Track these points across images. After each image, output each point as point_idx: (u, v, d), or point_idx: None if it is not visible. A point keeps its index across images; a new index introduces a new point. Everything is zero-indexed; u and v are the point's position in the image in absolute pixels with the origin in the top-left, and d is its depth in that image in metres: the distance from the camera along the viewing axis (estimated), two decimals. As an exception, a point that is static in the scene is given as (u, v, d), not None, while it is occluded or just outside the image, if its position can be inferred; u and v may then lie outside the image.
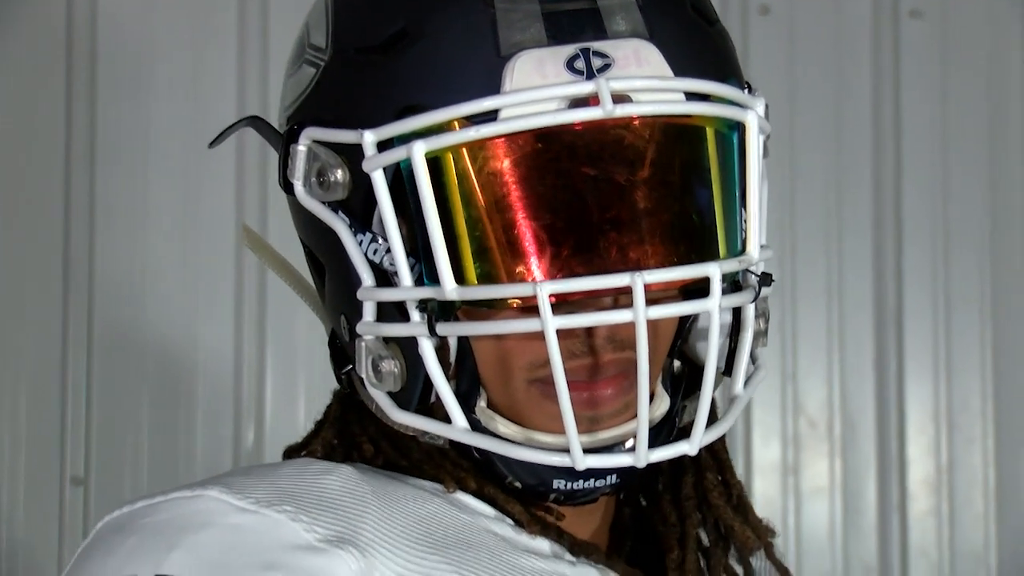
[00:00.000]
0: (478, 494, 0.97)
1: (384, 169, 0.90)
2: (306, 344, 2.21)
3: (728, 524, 1.04)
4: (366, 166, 0.90)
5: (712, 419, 0.95)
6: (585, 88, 0.88)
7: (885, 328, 2.35)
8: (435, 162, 0.89)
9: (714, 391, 0.96)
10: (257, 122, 1.03)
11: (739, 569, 1.08)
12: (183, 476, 2.20)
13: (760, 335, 1.00)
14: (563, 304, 0.89)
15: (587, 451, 0.90)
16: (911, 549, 2.33)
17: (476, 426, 0.94)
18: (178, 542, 0.85)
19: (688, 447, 0.92)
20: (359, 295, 0.94)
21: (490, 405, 0.96)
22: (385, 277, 0.94)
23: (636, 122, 0.90)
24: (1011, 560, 2.34)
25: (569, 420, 0.88)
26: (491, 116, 0.88)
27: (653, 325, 0.92)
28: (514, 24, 0.89)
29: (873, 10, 2.37)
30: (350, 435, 1.03)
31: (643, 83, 0.89)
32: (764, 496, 2.32)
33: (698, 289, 0.91)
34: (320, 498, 0.90)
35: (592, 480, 0.95)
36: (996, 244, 2.37)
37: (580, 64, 0.89)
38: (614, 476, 0.95)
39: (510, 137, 0.89)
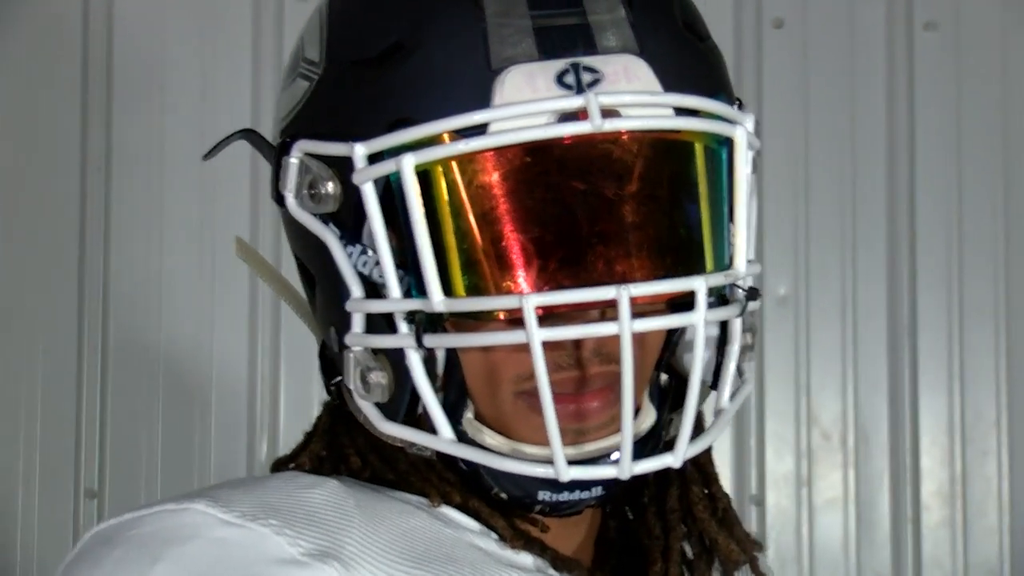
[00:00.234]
0: (463, 508, 0.98)
1: (375, 182, 0.90)
2: (320, 355, 2.22)
3: (712, 537, 1.05)
4: (356, 178, 0.90)
5: (698, 432, 0.95)
6: (574, 103, 0.87)
7: (899, 340, 2.35)
8: (425, 175, 0.89)
9: (700, 404, 0.96)
10: (251, 135, 1.04)
11: (723, 583, 1.08)
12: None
13: (747, 349, 1.00)
14: (550, 317, 0.89)
15: (572, 463, 0.90)
16: (925, 561, 2.32)
17: (462, 437, 0.94)
18: (163, 555, 0.86)
19: (672, 459, 0.91)
20: (348, 307, 0.94)
21: (478, 417, 0.96)
22: (374, 289, 0.94)
23: (625, 136, 0.90)
24: (1024, 572, 2.34)
25: (553, 431, 0.88)
26: (481, 129, 0.88)
27: (639, 338, 0.92)
28: (506, 39, 0.90)
29: (887, 23, 2.37)
30: (339, 447, 1.04)
31: (632, 98, 0.89)
32: (778, 508, 2.32)
33: (685, 303, 0.90)
34: (305, 512, 0.91)
35: (577, 492, 0.95)
36: (1010, 256, 2.36)
37: (570, 79, 0.89)
38: (599, 488, 0.95)
39: (499, 151, 0.89)
